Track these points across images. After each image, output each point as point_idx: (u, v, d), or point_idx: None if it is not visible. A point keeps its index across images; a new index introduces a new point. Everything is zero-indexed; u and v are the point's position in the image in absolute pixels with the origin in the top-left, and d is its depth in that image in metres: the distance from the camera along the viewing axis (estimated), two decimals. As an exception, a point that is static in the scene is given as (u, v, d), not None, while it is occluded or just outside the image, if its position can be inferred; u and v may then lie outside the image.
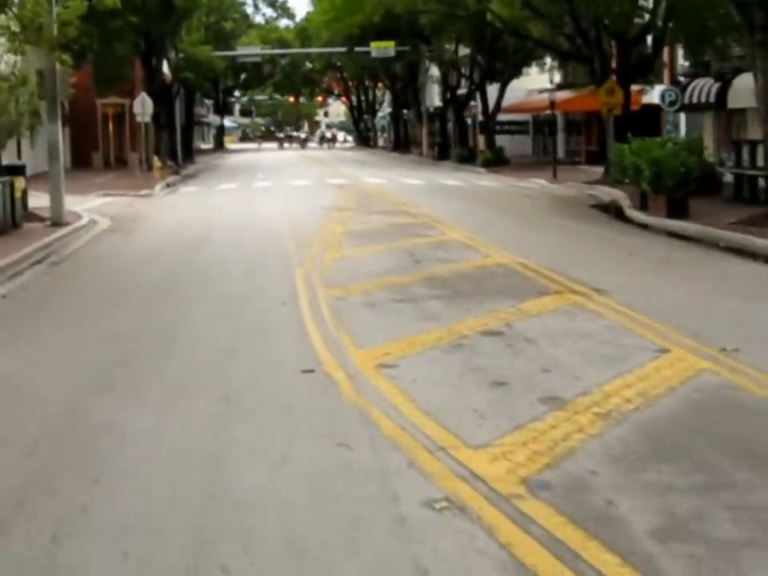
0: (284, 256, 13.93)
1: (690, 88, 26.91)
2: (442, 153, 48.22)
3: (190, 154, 49.92)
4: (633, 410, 6.07)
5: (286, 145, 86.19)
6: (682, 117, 29.49)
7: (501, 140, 43.36)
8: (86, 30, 24.51)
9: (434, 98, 57.61)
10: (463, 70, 46.40)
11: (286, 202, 24.02)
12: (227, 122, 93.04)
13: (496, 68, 41.93)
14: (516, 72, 41.78)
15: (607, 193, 24.20)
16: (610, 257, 13.83)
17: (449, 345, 7.93)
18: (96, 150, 44.04)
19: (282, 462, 5.33)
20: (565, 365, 7.28)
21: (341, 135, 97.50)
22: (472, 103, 47.04)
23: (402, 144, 64.03)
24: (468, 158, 42.62)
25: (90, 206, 23.28)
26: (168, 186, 31.43)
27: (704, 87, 26.44)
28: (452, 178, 33.15)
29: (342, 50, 51.52)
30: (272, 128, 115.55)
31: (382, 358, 7.48)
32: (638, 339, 8.06)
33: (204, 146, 75.55)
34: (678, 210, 17.81)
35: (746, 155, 22.20)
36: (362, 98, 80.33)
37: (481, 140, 46.19)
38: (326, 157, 59.21)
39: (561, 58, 35.11)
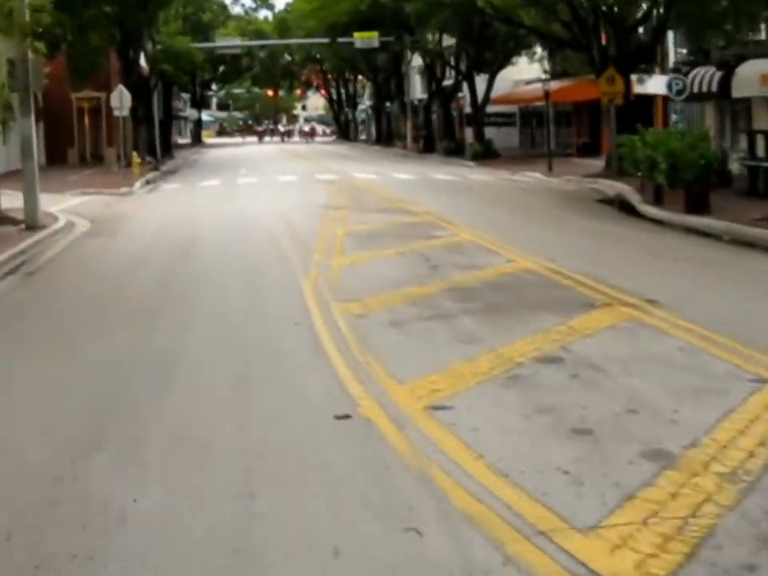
0: (284, 263, 12.55)
1: (689, 77, 25.88)
2: (427, 146, 47.08)
3: (168, 149, 48.42)
4: (762, 468, 4.85)
5: (267, 138, 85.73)
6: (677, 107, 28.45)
7: (487, 132, 42.27)
8: (60, 19, 23.11)
9: (417, 89, 56.37)
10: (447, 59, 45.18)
11: (275, 200, 22.67)
12: (204, 115, 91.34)
13: (485, 58, 40.70)
14: (505, 62, 40.60)
15: (611, 186, 23.15)
16: (638, 258, 12.64)
17: (503, 377, 6.61)
18: (71, 146, 42.21)
19: (333, 557, 4.03)
20: (650, 401, 6.03)
21: (328, 130, 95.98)
22: (459, 95, 45.79)
23: (384, 137, 62.76)
24: (455, 150, 41.46)
25: (67, 205, 21.81)
26: (148, 182, 29.93)
27: (705, 76, 25.44)
28: (442, 172, 31.94)
29: (324, 40, 50.06)
30: (249, 122, 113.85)
31: (429, 397, 6.16)
32: (722, 364, 6.83)
33: (181, 141, 74.00)
34: (697, 205, 16.75)
35: (750, 146, 21.23)
36: (342, 90, 78.91)
37: (467, 132, 44.99)
38: (307, 151, 57.81)
39: (556, 46, 33.91)
